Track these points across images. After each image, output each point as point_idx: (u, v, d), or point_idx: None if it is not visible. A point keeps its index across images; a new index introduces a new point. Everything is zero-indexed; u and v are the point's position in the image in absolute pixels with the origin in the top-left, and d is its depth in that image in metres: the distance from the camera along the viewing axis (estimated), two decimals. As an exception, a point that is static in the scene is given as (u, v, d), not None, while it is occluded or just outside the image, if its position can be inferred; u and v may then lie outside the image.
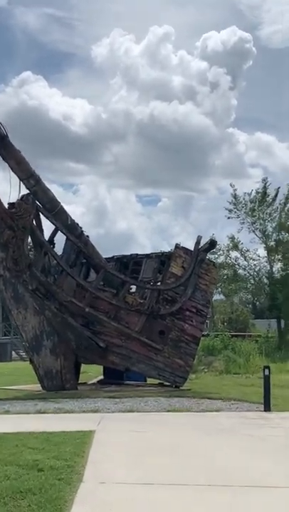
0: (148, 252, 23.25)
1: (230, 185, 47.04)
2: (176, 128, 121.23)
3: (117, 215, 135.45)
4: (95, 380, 24.40)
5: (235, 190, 46.18)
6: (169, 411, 15.81)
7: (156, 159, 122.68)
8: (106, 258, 23.21)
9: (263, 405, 16.09)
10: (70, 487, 8.12)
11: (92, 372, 26.82)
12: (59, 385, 20.67)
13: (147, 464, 9.50)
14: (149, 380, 22.74)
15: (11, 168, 20.30)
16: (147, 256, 22.82)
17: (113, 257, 23.81)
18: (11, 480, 8.39)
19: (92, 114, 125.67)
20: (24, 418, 14.66)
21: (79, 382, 23.57)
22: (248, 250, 46.52)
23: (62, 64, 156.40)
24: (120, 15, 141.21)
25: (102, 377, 24.38)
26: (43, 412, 15.55)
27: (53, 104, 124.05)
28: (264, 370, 16.77)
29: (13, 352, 52.28)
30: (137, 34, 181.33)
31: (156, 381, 21.95)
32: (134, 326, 20.82)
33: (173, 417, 14.77)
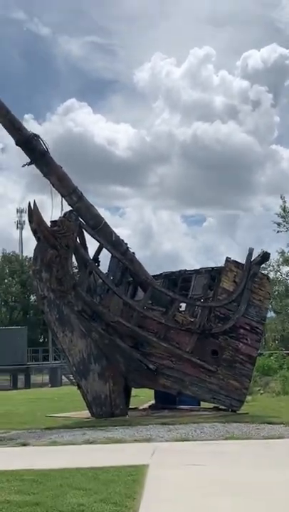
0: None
1: (281, 197, 45.68)
2: (220, 147, 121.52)
3: (163, 236, 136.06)
4: (146, 405, 23.22)
5: (284, 202, 44.74)
6: (227, 438, 14.55)
7: (200, 179, 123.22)
8: (153, 275, 22.14)
9: None
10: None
11: (143, 396, 25.62)
12: (108, 411, 19.60)
13: (212, 508, 8.28)
14: (203, 404, 21.45)
15: (53, 185, 19.50)
16: (197, 271, 21.67)
17: (161, 274, 22.74)
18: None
19: (136, 138, 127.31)
20: (71, 450, 13.60)
21: (129, 407, 22.49)
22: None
23: (105, 90, 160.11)
24: (160, 39, 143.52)
25: (153, 401, 23.17)
26: (92, 443, 14.47)
27: (98, 129, 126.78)
28: None
29: (63, 376, 51.55)
30: (177, 57, 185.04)
31: (211, 405, 20.68)
32: (186, 346, 19.65)
33: (233, 447, 13.50)
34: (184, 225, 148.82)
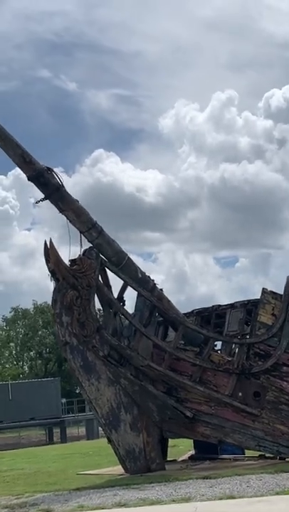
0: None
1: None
2: (248, 187, 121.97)
3: (197, 280, 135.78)
4: (185, 456, 21.25)
5: None
6: (278, 493, 12.62)
7: (230, 220, 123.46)
8: (184, 314, 20.46)
9: None
10: None
11: (183, 446, 23.66)
12: (144, 466, 17.77)
13: None
14: (248, 452, 19.44)
15: (70, 221, 18.07)
16: (231, 306, 19.91)
17: (192, 311, 21.04)
18: None
19: (165, 184, 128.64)
20: (99, 517, 11.84)
21: (167, 459, 20.60)
22: None
23: (132, 140, 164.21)
24: (183, 86, 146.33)
25: (193, 451, 21.19)
26: (124, 505, 12.70)
27: (126, 177, 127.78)
28: None
29: (100, 428, 49.45)
30: (200, 102, 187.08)
31: (257, 452, 18.69)
32: (224, 389, 17.81)
33: (287, 504, 11.58)
34: (216, 267, 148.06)
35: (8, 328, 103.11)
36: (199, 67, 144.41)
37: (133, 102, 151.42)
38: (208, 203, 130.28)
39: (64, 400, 60.31)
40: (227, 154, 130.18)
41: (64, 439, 53.46)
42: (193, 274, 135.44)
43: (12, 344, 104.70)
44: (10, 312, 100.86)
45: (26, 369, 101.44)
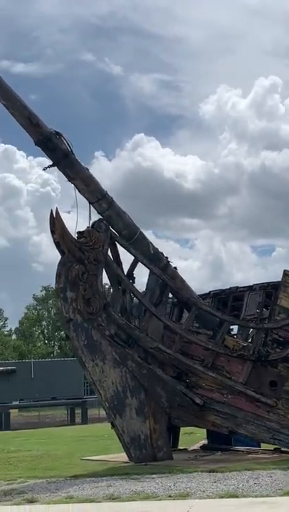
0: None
1: None
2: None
3: (233, 267, 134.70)
4: (197, 445, 20.04)
5: None
6: (285, 494, 11.33)
7: (269, 209, 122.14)
8: (201, 295, 19.21)
9: None
10: None
11: (200, 433, 22.31)
12: (149, 454, 16.62)
13: None
14: (264, 445, 18.15)
15: (78, 190, 16.87)
16: (250, 288, 18.55)
17: (209, 292, 19.76)
18: None
19: (204, 170, 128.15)
20: (84, 510, 10.70)
21: (179, 448, 19.47)
22: None
23: (172, 126, 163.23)
24: (225, 72, 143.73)
25: (206, 441, 19.97)
26: (115, 498, 11.55)
27: (166, 163, 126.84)
28: None
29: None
30: (243, 88, 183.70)
31: (272, 445, 17.41)
32: (238, 376, 16.55)
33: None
34: (253, 255, 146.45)
35: (39, 307, 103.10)
36: (242, 54, 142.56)
37: (174, 88, 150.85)
38: (248, 190, 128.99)
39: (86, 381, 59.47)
40: (268, 141, 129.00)
41: (85, 420, 52.67)
42: (229, 262, 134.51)
43: (44, 323, 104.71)
44: (41, 291, 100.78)
45: (57, 348, 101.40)
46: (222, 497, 11.18)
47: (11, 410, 54.03)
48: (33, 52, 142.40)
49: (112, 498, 11.56)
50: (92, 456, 18.92)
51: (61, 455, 20.62)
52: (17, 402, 52.68)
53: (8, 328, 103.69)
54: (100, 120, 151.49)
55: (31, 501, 11.63)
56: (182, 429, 20.05)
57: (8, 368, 54.26)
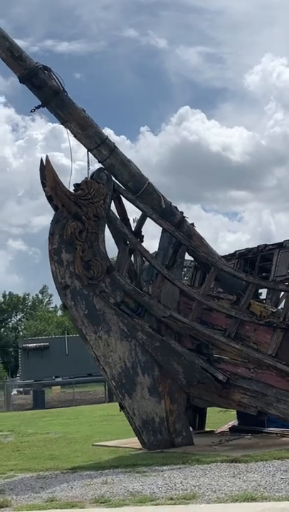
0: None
1: None
2: None
3: (283, 239, 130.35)
4: (226, 426, 17.63)
5: None
6: None
7: None
8: (225, 256, 16.72)
9: None
10: None
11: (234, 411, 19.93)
12: (166, 439, 14.34)
13: None
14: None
15: (74, 135, 14.47)
16: (280, 246, 15.92)
17: (235, 252, 17.20)
18: None
19: (251, 142, 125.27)
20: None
21: (206, 429, 17.17)
22: None
23: (216, 99, 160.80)
24: (269, 42, 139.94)
25: (235, 421, 17.54)
26: (103, 502, 9.26)
27: (213, 136, 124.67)
28: None
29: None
30: (288, 56, 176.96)
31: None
32: (267, 348, 14.06)
33: None
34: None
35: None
36: (285, 23, 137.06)
37: (217, 60, 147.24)
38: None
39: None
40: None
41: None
42: (279, 233, 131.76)
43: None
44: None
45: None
46: (236, 500, 8.77)
47: (53, 387, 52.61)
48: (77, 31, 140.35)
49: (100, 502, 9.29)
50: (106, 442, 16.73)
51: (77, 438, 18.81)
52: (52, 379, 50.95)
53: (53, 305, 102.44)
54: (143, 96, 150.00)
55: (1, 506, 9.41)
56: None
57: (41, 344, 52.66)
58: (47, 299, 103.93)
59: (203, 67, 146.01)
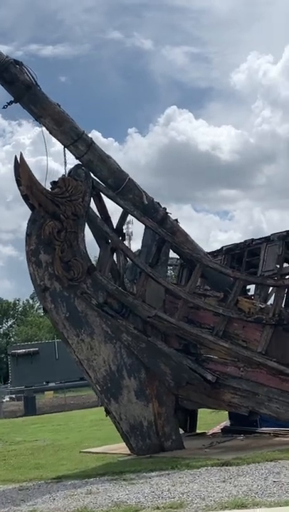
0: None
1: None
2: None
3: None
4: (218, 427, 17.14)
5: None
6: (314, 498, 8.38)
7: None
8: (211, 252, 16.24)
9: None
10: None
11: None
12: (155, 444, 13.82)
13: None
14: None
15: (49, 131, 13.96)
16: (267, 240, 15.44)
17: (221, 248, 16.71)
18: None
19: (239, 140, 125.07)
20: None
21: (197, 431, 16.69)
22: None
23: (203, 99, 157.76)
24: (254, 40, 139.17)
25: (227, 422, 17.05)
26: (86, 514, 8.73)
27: (201, 135, 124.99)
28: None
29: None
30: (274, 54, 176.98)
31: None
32: (256, 345, 13.57)
33: None
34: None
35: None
36: (271, 20, 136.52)
37: (203, 59, 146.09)
38: (285, 157, 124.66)
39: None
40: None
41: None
42: (271, 231, 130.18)
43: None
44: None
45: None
46: (225, 508, 8.26)
47: (46, 393, 52.03)
48: (60, 35, 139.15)
49: (83, 514, 8.75)
50: (94, 448, 16.22)
51: (65, 445, 18.39)
52: (43, 385, 50.28)
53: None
54: (130, 98, 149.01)
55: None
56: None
57: (31, 349, 52.02)
58: (38, 304, 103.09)
59: (189, 67, 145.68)
